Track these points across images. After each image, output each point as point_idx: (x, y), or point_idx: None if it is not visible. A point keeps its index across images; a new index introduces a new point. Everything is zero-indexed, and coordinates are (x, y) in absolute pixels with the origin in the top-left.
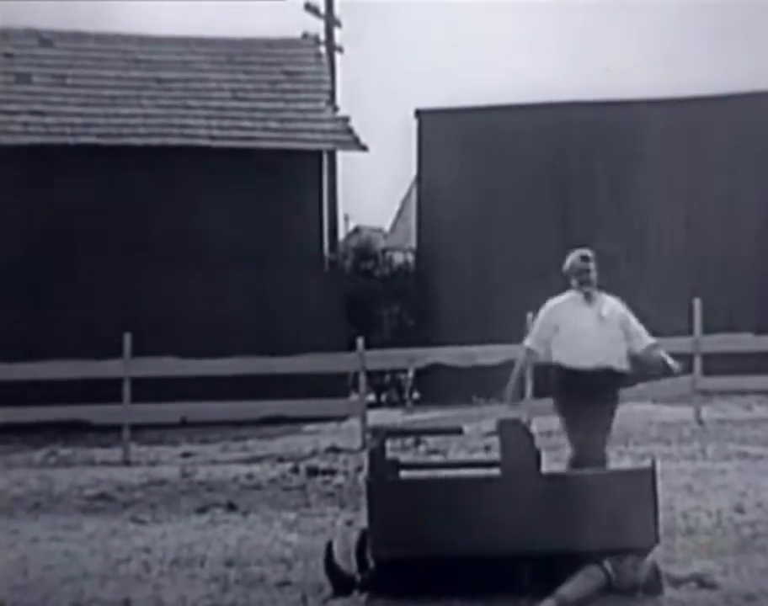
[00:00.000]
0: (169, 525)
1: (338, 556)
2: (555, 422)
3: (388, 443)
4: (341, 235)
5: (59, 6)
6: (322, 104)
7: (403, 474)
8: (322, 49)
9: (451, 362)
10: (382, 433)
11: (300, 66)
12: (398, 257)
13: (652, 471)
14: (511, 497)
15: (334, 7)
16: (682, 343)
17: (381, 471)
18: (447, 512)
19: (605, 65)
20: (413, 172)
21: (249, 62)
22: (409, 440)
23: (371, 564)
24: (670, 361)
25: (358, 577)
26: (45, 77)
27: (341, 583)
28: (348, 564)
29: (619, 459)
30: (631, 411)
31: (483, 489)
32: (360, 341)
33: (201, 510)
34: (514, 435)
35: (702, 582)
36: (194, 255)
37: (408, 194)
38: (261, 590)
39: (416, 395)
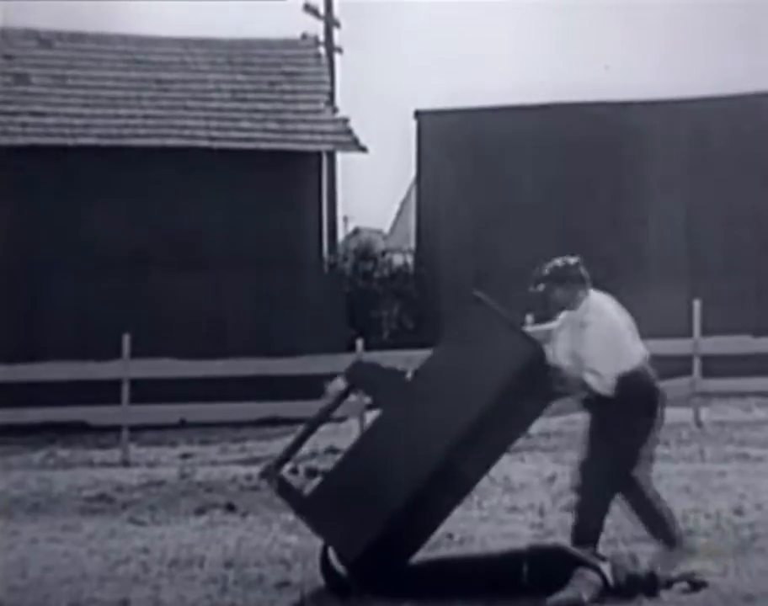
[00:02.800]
0: (168, 526)
1: (333, 557)
2: (553, 423)
3: None
4: (340, 236)
5: (58, 6)
6: (322, 105)
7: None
8: (322, 50)
9: None
10: (272, 469)
11: (299, 67)
12: (398, 259)
13: None
14: None
15: (333, 7)
16: (681, 345)
17: (295, 497)
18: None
19: (604, 64)
20: (413, 173)
21: (248, 63)
22: None
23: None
24: None
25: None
26: (44, 77)
27: (337, 584)
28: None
29: None
30: None
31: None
32: (360, 342)
33: (200, 511)
34: None
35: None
36: (193, 256)
37: (408, 196)
38: (260, 591)
39: None
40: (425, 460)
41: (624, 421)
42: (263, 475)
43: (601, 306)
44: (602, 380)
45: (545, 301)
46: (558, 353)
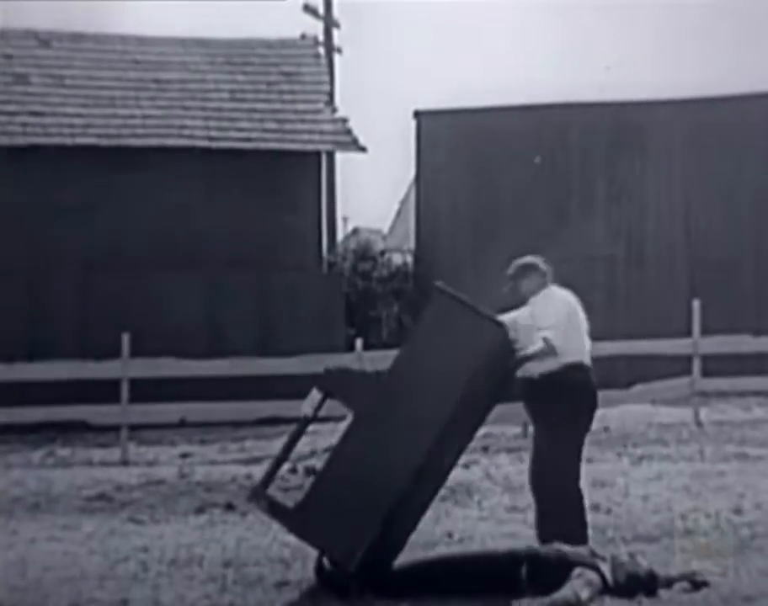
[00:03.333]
0: (167, 525)
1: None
2: None
3: None
4: (340, 236)
5: (57, 7)
6: (321, 105)
7: None
8: (321, 50)
9: None
10: (259, 490)
11: (298, 67)
12: (397, 259)
13: None
14: None
15: (333, 8)
16: (681, 345)
17: (285, 515)
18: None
19: (605, 64)
20: (412, 173)
21: (248, 63)
22: None
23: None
24: None
25: (353, 580)
26: (43, 77)
27: (331, 585)
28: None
29: (617, 461)
30: (629, 412)
31: None
32: (359, 342)
33: (199, 510)
34: None
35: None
36: (192, 256)
37: (407, 196)
38: (259, 590)
39: None
40: (409, 457)
41: (575, 414)
42: (250, 498)
43: (562, 294)
44: (559, 333)
45: (515, 296)
46: (521, 337)
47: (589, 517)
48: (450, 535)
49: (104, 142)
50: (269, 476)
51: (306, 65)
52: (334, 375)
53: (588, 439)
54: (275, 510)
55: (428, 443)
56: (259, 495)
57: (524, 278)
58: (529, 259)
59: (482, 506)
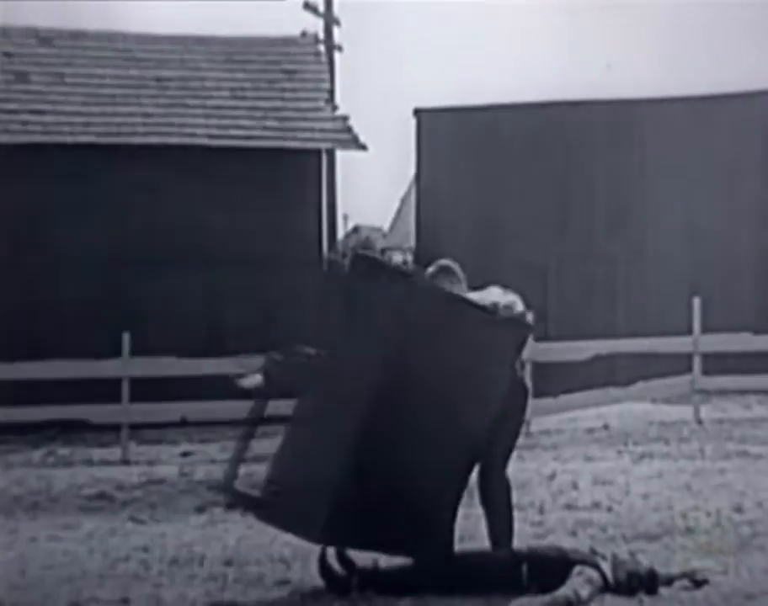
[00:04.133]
0: (168, 524)
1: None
2: (553, 420)
3: None
4: (340, 234)
5: (58, 5)
6: (321, 103)
7: None
8: (322, 47)
9: None
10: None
11: (299, 65)
12: (397, 257)
13: None
14: None
15: (333, 5)
16: (681, 343)
17: (251, 503)
18: None
19: (605, 63)
20: (413, 171)
21: (248, 61)
22: None
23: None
24: None
25: (354, 578)
26: (43, 75)
27: (336, 584)
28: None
29: (618, 459)
30: (630, 410)
31: None
32: None
33: (200, 509)
34: None
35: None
36: (192, 254)
37: (407, 194)
38: (260, 589)
39: None
40: (352, 423)
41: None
42: (219, 490)
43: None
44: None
45: None
46: None
47: (590, 515)
48: None
49: (105, 140)
50: (232, 471)
51: (307, 63)
52: (275, 361)
53: (589, 437)
54: (242, 501)
55: (369, 399)
56: (228, 489)
57: (445, 280)
58: (449, 262)
59: None
